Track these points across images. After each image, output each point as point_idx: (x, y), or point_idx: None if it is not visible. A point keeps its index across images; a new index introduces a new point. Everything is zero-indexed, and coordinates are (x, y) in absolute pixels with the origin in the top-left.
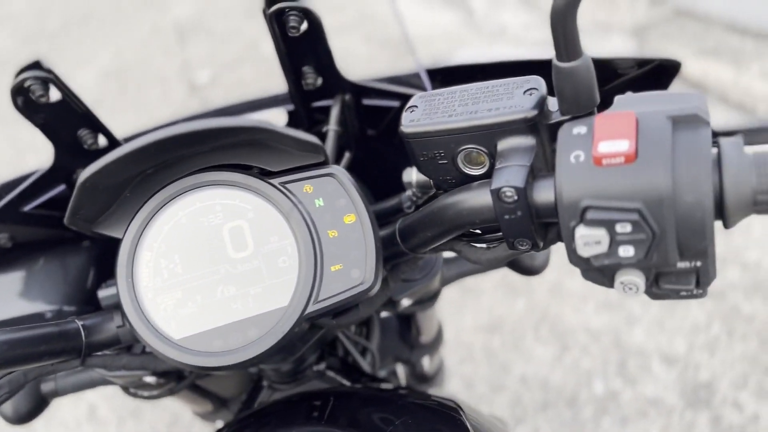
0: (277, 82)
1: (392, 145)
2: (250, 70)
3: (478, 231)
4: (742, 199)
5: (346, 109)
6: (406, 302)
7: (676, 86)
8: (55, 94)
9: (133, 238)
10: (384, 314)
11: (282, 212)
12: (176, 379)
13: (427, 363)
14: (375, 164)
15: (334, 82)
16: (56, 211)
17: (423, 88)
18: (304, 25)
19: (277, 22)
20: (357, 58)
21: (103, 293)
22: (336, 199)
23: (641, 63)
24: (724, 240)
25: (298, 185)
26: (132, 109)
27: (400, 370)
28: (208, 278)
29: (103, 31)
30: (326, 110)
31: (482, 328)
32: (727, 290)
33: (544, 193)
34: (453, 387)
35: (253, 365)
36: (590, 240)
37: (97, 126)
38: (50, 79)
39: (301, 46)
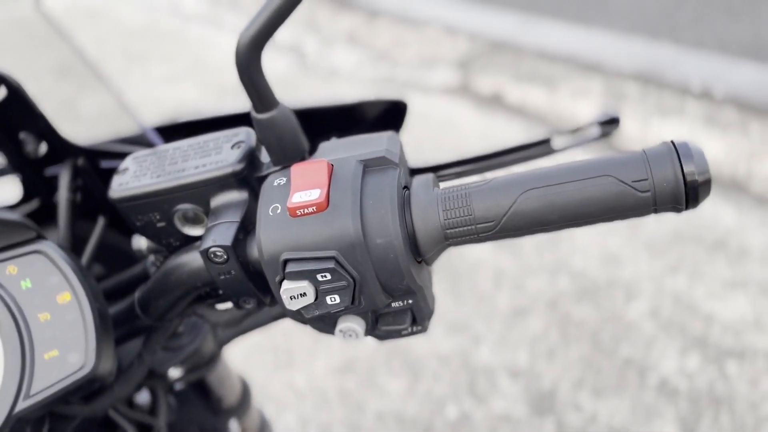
0: None
1: None
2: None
3: (220, 291)
4: (432, 235)
5: (83, 174)
6: (175, 373)
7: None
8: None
9: None
10: (178, 385)
11: None
12: None
13: (235, 427)
14: None
15: (61, 147)
16: None
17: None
18: (3, 91)
19: None
20: (192, 103)
21: None
22: (46, 277)
23: (372, 105)
24: (552, 250)
25: (1, 267)
26: None
27: None
28: None
29: None
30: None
31: (335, 370)
32: (558, 298)
33: (254, 251)
34: None
35: None
36: (295, 293)
37: None
38: None
39: (7, 112)
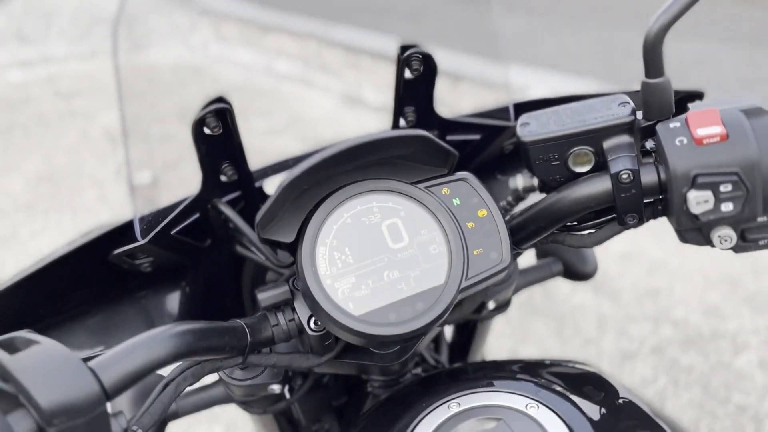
0: None
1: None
2: (188, 170)
3: (575, 223)
4: None
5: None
6: (491, 305)
7: None
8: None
9: (312, 236)
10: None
11: (429, 209)
12: (302, 378)
13: None
14: None
15: (428, 119)
16: (190, 237)
17: (506, 120)
18: (421, 68)
19: (405, 64)
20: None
21: (263, 295)
22: (469, 198)
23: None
24: (653, 301)
25: (438, 188)
26: (68, 209)
27: None
28: (375, 265)
29: (29, 140)
30: None
31: None
32: (664, 346)
33: (648, 176)
34: None
35: (421, 334)
36: (701, 199)
37: (239, 160)
38: (228, 110)
39: (414, 88)
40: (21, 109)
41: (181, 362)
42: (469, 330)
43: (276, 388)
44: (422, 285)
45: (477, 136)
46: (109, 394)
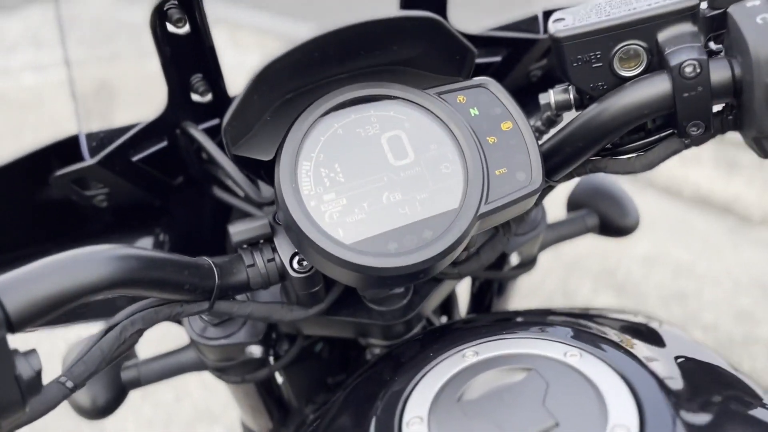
0: None
1: None
2: None
3: (614, 144)
4: None
5: None
6: (514, 260)
7: None
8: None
9: (294, 148)
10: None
11: (440, 120)
12: (288, 343)
13: None
14: None
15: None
16: (156, 169)
17: (535, 32)
18: None
19: None
20: None
21: (236, 228)
22: (490, 108)
23: None
24: (681, 305)
25: (452, 96)
26: None
27: None
28: (372, 185)
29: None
30: None
31: None
32: None
33: (719, 72)
34: None
35: (428, 269)
36: None
37: (212, 72)
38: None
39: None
40: (33, 110)
41: (114, 291)
42: (488, 298)
43: (255, 350)
44: (431, 209)
45: (498, 58)
46: (13, 322)
